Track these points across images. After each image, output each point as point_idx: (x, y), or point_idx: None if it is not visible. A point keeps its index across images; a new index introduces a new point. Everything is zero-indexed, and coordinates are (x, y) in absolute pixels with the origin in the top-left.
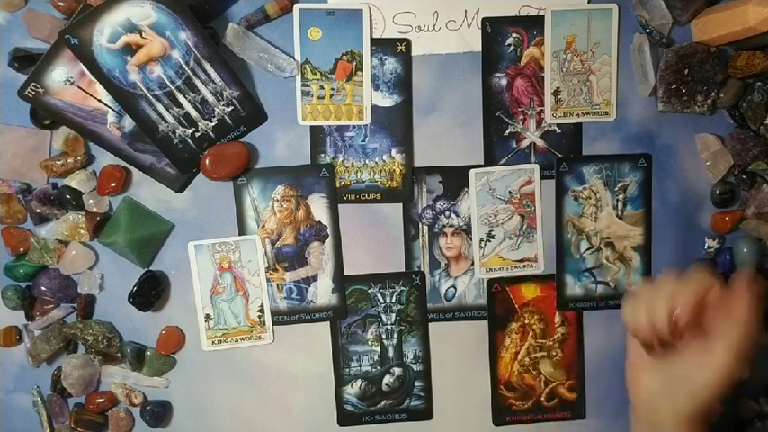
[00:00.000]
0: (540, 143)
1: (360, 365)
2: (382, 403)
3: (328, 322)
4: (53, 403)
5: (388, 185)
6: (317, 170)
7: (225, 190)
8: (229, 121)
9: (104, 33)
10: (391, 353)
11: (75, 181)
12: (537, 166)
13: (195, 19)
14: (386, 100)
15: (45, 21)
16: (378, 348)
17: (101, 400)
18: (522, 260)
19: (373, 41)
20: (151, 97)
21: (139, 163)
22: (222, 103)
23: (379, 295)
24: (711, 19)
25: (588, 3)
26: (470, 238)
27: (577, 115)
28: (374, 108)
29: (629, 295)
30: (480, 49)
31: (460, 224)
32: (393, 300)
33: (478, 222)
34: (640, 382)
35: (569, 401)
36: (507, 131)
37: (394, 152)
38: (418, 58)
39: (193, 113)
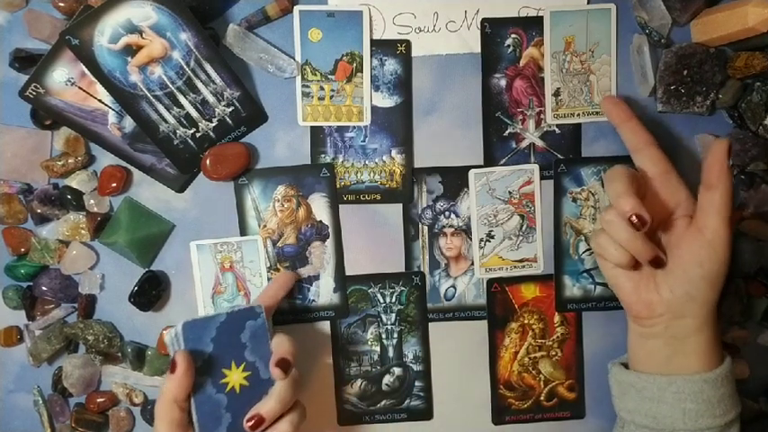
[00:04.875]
0: (540, 143)
1: (360, 365)
2: (382, 403)
3: (328, 322)
4: (54, 403)
5: (388, 186)
6: (318, 170)
7: (225, 190)
8: (230, 122)
9: (105, 34)
10: (391, 353)
11: (75, 181)
12: (537, 167)
13: (196, 20)
14: (386, 101)
15: (46, 21)
16: (378, 348)
17: (101, 399)
18: (521, 260)
19: (373, 42)
20: (152, 98)
21: (140, 163)
22: (223, 103)
23: (378, 295)
24: (711, 20)
25: (587, 3)
26: (470, 239)
27: (578, 115)
28: (374, 109)
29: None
30: (480, 50)
31: (460, 224)
32: (393, 300)
33: (478, 222)
34: (653, 302)
35: (569, 401)
36: (507, 132)
37: (394, 153)
38: (418, 59)
39: (194, 114)
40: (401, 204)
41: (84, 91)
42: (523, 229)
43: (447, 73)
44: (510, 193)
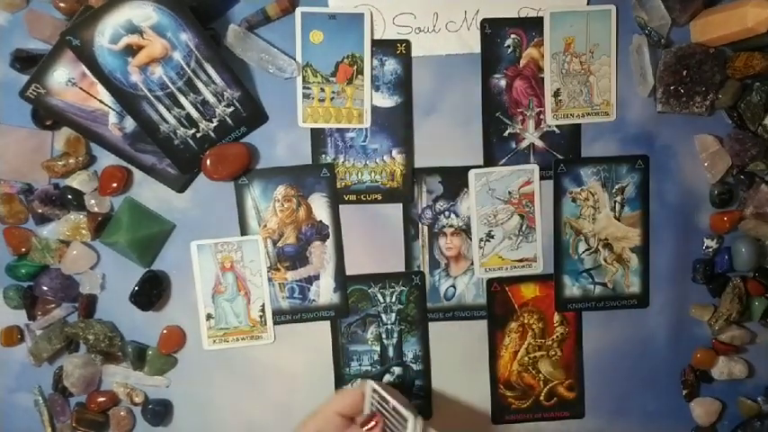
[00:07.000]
0: (540, 144)
1: (360, 365)
2: None
3: (329, 322)
4: (54, 402)
5: (388, 186)
6: (318, 170)
7: (226, 190)
8: (230, 122)
9: (106, 34)
10: (391, 352)
11: (76, 181)
12: (536, 167)
13: (196, 20)
14: (386, 101)
15: (46, 21)
16: (378, 348)
17: (102, 399)
18: (521, 260)
19: (373, 42)
20: (152, 98)
21: (141, 163)
22: (223, 103)
23: (379, 295)
24: (710, 20)
25: (587, 4)
26: (470, 239)
27: (578, 116)
28: (374, 109)
29: None
30: (480, 51)
31: (460, 224)
32: (393, 299)
33: (478, 222)
34: None
35: (568, 401)
36: (506, 132)
37: (394, 153)
38: (418, 59)
39: (194, 114)
40: (401, 204)
41: (84, 91)
42: (523, 228)
43: (447, 73)
44: (510, 193)
